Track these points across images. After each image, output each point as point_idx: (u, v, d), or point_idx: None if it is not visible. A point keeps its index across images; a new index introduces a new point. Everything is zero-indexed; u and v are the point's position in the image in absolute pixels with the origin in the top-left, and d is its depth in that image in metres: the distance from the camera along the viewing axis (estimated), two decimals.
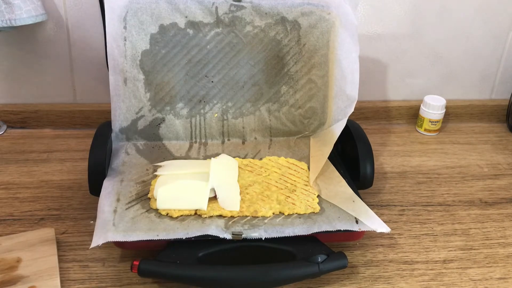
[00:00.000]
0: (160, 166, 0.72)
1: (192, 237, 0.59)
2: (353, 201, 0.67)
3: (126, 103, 0.75)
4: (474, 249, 0.69)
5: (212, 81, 0.78)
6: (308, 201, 0.67)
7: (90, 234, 0.64)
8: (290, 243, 0.61)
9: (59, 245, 0.65)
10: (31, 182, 0.78)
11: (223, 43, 0.76)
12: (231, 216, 0.63)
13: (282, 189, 0.69)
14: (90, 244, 0.57)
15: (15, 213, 0.71)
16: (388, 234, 0.70)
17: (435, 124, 0.98)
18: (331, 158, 0.75)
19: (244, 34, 0.76)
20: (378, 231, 0.62)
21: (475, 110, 1.03)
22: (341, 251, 0.60)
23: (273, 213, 0.64)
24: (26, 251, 0.61)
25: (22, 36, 0.88)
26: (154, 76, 0.76)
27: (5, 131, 0.92)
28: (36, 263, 0.59)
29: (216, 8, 0.75)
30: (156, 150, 0.76)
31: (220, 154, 0.76)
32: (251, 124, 0.80)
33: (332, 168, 0.74)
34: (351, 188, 0.70)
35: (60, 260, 0.62)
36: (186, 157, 0.76)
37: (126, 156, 0.74)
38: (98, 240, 0.57)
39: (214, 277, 0.56)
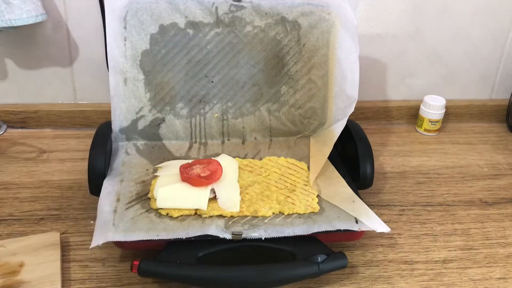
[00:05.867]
0: (160, 166, 0.72)
1: (192, 237, 0.59)
2: (353, 201, 0.67)
3: (126, 103, 0.75)
4: (474, 249, 0.69)
5: (212, 81, 0.78)
6: (308, 201, 0.67)
7: (90, 234, 0.64)
8: (290, 243, 0.61)
9: None
10: (31, 182, 0.78)
11: (223, 43, 0.76)
12: (231, 216, 0.63)
13: (282, 189, 0.69)
14: (90, 244, 0.57)
15: (15, 213, 0.71)
16: (388, 234, 0.70)
17: (435, 124, 0.98)
18: (331, 158, 0.75)
19: (244, 34, 0.76)
20: (378, 231, 0.62)
21: (475, 110, 1.03)
22: (341, 251, 0.60)
23: (273, 213, 0.64)
24: (30, 255, 0.60)
25: (22, 36, 0.88)
26: (154, 76, 0.76)
27: (5, 131, 0.92)
28: (39, 268, 0.59)
29: (216, 8, 0.75)
30: (156, 150, 0.76)
31: (220, 154, 0.76)
32: (251, 124, 0.80)
33: (332, 168, 0.74)
34: (351, 188, 0.70)
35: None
36: (186, 157, 0.76)
37: (126, 156, 0.74)
38: (98, 240, 0.57)
39: (214, 277, 0.56)
